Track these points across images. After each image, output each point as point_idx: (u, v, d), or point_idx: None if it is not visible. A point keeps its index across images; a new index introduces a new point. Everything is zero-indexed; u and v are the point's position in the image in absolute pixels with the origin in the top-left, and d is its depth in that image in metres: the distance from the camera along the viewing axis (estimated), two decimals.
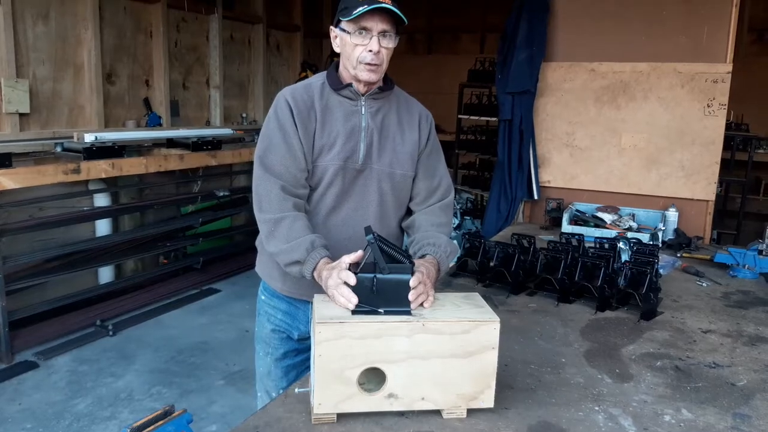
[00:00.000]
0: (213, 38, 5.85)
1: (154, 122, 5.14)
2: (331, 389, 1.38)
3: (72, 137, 4.15)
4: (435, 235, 1.73)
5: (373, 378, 1.41)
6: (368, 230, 1.42)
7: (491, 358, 1.43)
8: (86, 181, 4.44)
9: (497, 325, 1.41)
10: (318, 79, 1.75)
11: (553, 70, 3.64)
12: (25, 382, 3.41)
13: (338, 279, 1.41)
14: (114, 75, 4.94)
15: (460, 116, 5.92)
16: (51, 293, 4.18)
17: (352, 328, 1.37)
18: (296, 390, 1.52)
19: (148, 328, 4.23)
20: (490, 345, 1.42)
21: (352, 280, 1.40)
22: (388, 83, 1.75)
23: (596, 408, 1.54)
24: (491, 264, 2.50)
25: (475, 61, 5.83)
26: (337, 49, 1.71)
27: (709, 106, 3.34)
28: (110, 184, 4.69)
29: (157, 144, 4.95)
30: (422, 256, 1.67)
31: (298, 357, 1.87)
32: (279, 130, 1.66)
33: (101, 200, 4.62)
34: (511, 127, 3.69)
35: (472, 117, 5.62)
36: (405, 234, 1.88)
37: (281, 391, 1.67)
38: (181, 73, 5.61)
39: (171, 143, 4.87)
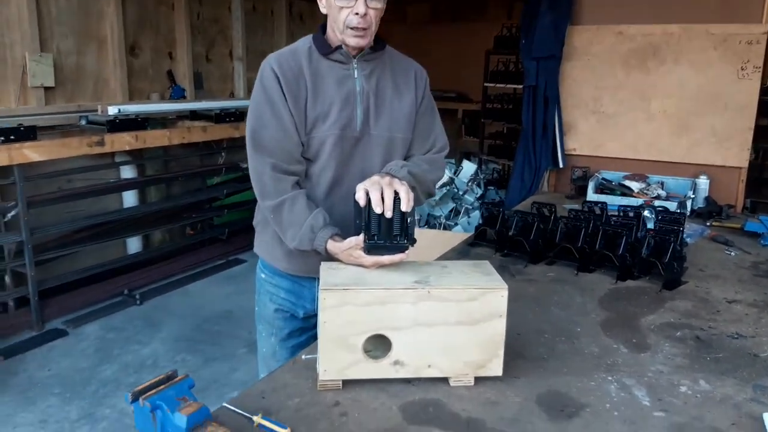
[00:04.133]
0: (235, 9, 5.80)
1: (178, 95, 5.15)
2: (336, 356, 1.37)
3: (96, 110, 4.19)
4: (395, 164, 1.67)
5: (380, 345, 1.40)
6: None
7: (499, 326, 1.40)
8: (112, 154, 4.49)
9: (505, 293, 1.38)
10: (304, 44, 1.65)
11: (579, 33, 3.51)
12: (55, 349, 3.51)
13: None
14: (137, 48, 4.95)
15: (486, 84, 5.79)
16: (80, 263, 4.27)
17: (356, 295, 1.35)
18: (303, 357, 1.52)
19: (175, 297, 4.31)
20: (497, 313, 1.39)
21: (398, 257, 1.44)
22: (379, 43, 1.66)
23: (609, 378, 1.50)
24: (509, 233, 2.45)
25: (502, 27, 5.68)
26: (324, 11, 1.62)
27: (743, 69, 3.20)
28: (136, 157, 4.74)
29: (181, 116, 4.97)
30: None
31: (303, 336, 1.83)
32: (267, 103, 1.58)
33: (127, 172, 4.68)
34: (535, 94, 3.59)
35: (498, 85, 5.49)
36: None
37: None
38: (204, 45, 5.60)
39: (194, 115, 4.88)
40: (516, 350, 1.58)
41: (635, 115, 3.44)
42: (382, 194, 1.42)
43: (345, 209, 1.61)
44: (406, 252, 1.44)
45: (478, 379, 1.42)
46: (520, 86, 5.13)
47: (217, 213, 5.28)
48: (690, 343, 1.71)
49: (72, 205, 4.27)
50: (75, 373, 3.24)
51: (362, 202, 1.44)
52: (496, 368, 1.42)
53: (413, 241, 1.47)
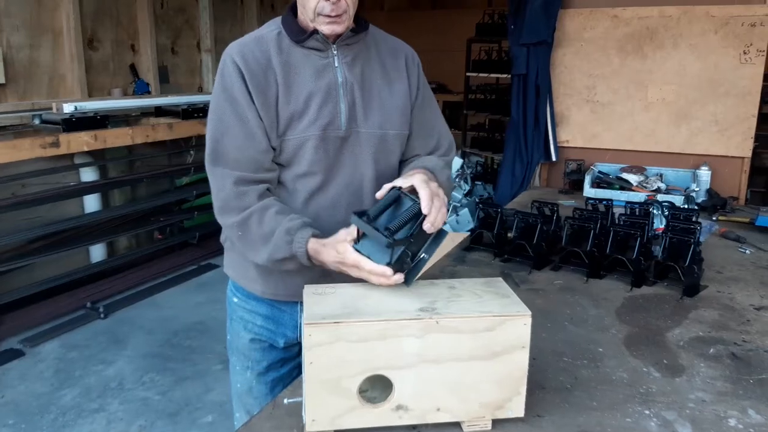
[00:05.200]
0: None
1: (142, 90, 4.84)
2: (326, 402, 1.13)
3: (51, 109, 3.85)
4: (423, 159, 1.47)
5: (378, 384, 1.16)
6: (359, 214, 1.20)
7: (521, 360, 1.17)
8: (71, 155, 4.17)
9: (528, 320, 1.15)
10: (271, 29, 1.39)
11: (571, 17, 3.29)
12: (9, 372, 3.20)
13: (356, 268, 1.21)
14: (96, 40, 4.62)
15: (468, 74, 5.56)
16: (38, 275, 3.95)
17: (349, 329, 1.11)
18: (285, 401, 1.26)
19: (142, 308, 4.01)
20: (519, 344, 1.16)
21: (394, 276, 1.18)
22: (361, 23, 1.41)
23: (646, 412, 1.28)
24: (509, 235, 2.23)
25: (483, 14, 5.45)
26: None
27: (745, 53, 3.01)
28: (97, 158, 4.41)
29: (146, 113, 4.66)
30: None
31: (284, 368, 1.58)
32: (228, 103, 1.32)
33: (88, 175, 4.35)
34: (525, 83, 3.37)
35: (481, 74, 5.27)
36: None
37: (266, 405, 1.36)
38: (169, 36, 5.28)
39: (160, 112, 4.57)
40: (534, 379, 1.34)
41: (632, 104, 3.24)
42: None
43: (331, 221, 1.36)
44: (392, 279, 1.19)
45: (497, 422, 1.20)
46: (504, 75, 4.94)
47: (187, 216, 4.97)
48: (727, 362, 1.50)
49: (28, 211, 3.95)
50: (32, 400, 2.94)
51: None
52: (517, 409, 1.19)
53: (410, 278, 1.23)
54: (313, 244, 1.26)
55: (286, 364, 1.57)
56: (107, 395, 2.97)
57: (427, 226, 1.17)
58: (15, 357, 3.34)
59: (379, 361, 1.12)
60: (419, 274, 1.23)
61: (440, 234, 1.23)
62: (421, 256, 1.20)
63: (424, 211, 1.17)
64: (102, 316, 3.82)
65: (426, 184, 1.20)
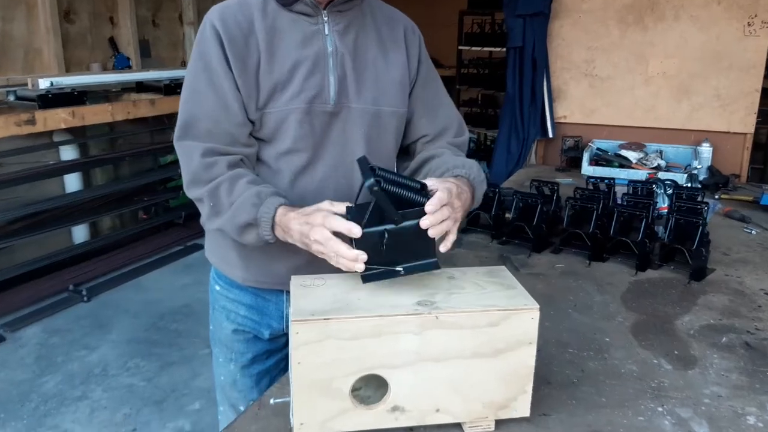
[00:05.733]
0: None
1: (123, 64, 4.65)
2: (315, 405, 1.03)
3: (27, 85, 3.68)
4: (461, 159, 1.31)
5: (372, 381, 1.06)
6: (365, 168, 1.03)
7: (527, 357, 1.07)
8: (50, 133, 4.01)
9: (536, 314, 1.05)
10: None
11: None
12: None
13: (323, 227, 1.04)
14: (72, 12, 4.41)
15: (461, 47, 5.41)
16: (18, 257, 3.82)
17: (340, 326, 1.00)
18: (272, 401, 1.16)
19: (127, 291, 3.89)
20: (526, 339, 1.06)
21: (356, 231, 1.01)
22: None
23: (659, 409, 1.19)
24: (507, 216, 2.13)
25: None
26: None
27: (749, 25, 2.89)
28: (77, 135, 4.26)
29: (127, 88, 4.48)
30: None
31: (270, 360, 1.47)
32: (204, 71, 1.20)
33: (68, 153, 4.20)
34: (522, 56, 3.24)
35: (474, 48, 5.12)
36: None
37: (251, 404, 1.24)
38: (150, 8, 5.07)
39: (141, 87, 4.40)
40: (539, 373, 1.23)
41: (632, 78, 3.13)
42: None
43: (316, 202, 1.24)
44: (352, 255, 1.02)
45: (500, 423, 1.11)
46: (498, 49, 4.80)
47: (172, 195, 4.82)
48: (740, 352, 1.42)
49: (6, 191, 3.80)
50: (11, 388, 2.83)
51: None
52: (522, 408, 1.10)
53: (368, 279, 1.06)
54: (283, 212, 1.12)
55: (272, 356, 1.47)
56: (91, 382, 2.87)
57: (425, 223, 1.02)
58: None
59: (373, 360, 1.03)
60: (378, 281, 1.07)
61: (431, 264, 1.09)
62: (398, 269, 1.05)
63: (427, 208, 1.02)
64: (85, 299, 3.71)
65: (448, 194, 1.06)
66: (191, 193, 1.23)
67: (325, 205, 1.08)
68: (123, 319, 3.51)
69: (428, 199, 1.05)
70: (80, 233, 4.32)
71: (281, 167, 1.27)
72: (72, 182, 4.22)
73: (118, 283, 3.97)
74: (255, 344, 1.46)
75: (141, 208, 4.74)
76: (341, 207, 1.08)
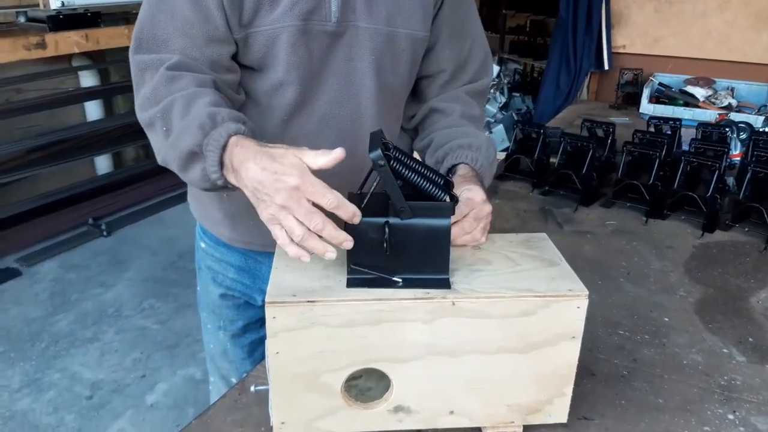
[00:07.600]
0: None
1: None
2: (299, 402, 0.83)
3: (38, 4, 3.45)
4: (471, 132, 1.07)
5: (374, 371, 0.85)
6: (375, 141, 0.76)
7: (569, 353, 0.85)
8: (69, 57, 3.81)
9: (584, 302, 0.81)
10: None
11: None
12: (4, 294, 3.01)
13: (298, 191, 0.73)
14: None
15: None
16: (37, 189, 3.71)
17: (330, 310, 0.78)
18: (252, 388, 0.96)
19: (147, 226, 3.75)
20: (568, 333, 0.83)
21: (356, 215, 0.75)
22: None
23: (730, 416, 0.95)
24: (552, 162, 1.85)
25: None
26: None
27: None
28: (98, 60, 4.05)
29: None
30: (453, 166, 1.03)
31: (265, 328, 1.28)
32: None
33: (88, 79, 4.00)
34: None
35: None
36: (414, 131, 1.21)
37: (244, 375, 1.05)
38: None
39: None
40: (580, 362, 0.99)
41: (704, 4, 2.71)
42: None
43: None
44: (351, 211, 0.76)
45: (528, 429, 0.89)
46: None
47: None
48: None
49: (24, 119, 3.65)
50: (24, 326, 2.76)
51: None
52: (558, 413, 0.89)
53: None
54: (235, 141, 0.80)
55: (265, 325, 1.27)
56: (103, 323, 2.77)
57: (460, 234, 0.88)
58: (11, 277, 3.15)
59: (370, 353, 0.81)
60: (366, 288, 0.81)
61: (441, 282, 0.83)
62: (395, 279, 0.80)
63: (455, 217, 0.85)
64: (104, 234, 3.59)
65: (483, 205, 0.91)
66: (142, 115, 0.92)
67: (309, 155, 0.74)
68: (141, 256, 3.39)
69: (451, 197, 0.81)
70: (102, 164, 4.19)
71: (272, 104, 1.02)
72: (93, 110, 4.04)
73: (140, 217, 3.84)
74: (247, 311, 1.27)
75: None
76: (335, 154, 0.75)
